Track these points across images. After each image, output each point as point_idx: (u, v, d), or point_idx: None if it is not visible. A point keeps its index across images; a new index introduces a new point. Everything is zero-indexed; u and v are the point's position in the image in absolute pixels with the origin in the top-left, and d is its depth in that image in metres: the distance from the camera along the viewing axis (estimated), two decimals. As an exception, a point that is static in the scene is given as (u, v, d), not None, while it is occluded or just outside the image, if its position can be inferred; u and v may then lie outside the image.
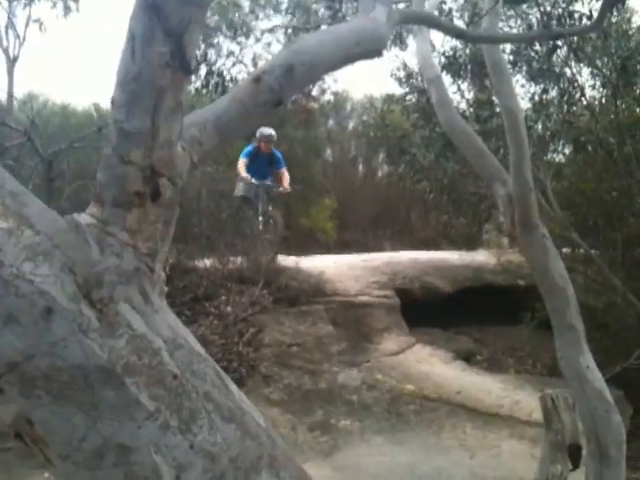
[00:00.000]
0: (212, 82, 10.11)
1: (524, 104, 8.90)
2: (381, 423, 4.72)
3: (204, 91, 10.35)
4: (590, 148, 8.15)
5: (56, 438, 0.98)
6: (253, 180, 7.43)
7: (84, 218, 1.07)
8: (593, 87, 10.02)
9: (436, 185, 9.08)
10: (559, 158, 10.15)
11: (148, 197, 1.09)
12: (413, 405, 4.98)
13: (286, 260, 7.04)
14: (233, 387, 1.13)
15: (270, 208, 7.71)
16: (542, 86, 9.10)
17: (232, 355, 5.29)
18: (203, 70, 10.08)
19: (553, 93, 9.10)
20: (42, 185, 8.23)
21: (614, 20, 8.59)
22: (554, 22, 6.35)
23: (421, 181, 9.23)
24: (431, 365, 5.75)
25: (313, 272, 6.83)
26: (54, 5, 8.34)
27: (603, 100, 9.39)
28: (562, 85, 8.99)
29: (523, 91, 10.25)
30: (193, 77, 9.35)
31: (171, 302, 5.88)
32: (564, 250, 8.17)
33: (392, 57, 9.20)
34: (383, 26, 1.54)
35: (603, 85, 9.45)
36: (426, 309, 6.97)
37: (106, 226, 1.07)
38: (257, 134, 7.79)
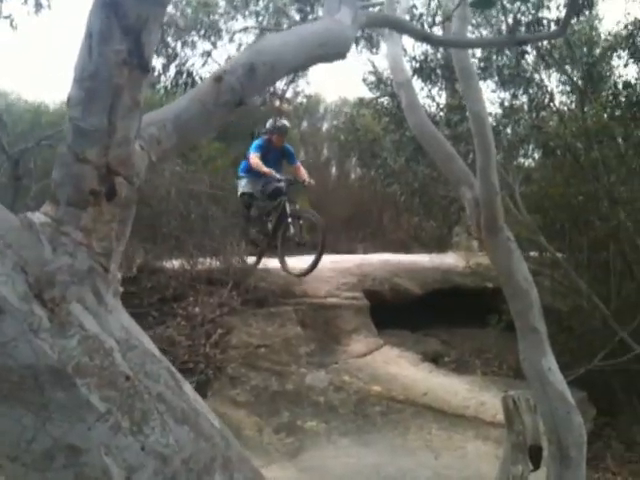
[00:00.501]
0: (181, 81, 10.04)
1: (494, 109, 9.03)
2: (347, 424, 4.73)
3: (174, 90, 10.26)
4: (559, 153, 8.26)
5: (5, 439, 0.97)
6: (278, 176, 6.87)
7: (38, 217, 1.06)
8: (562, 93, 10.21)
9: (407, 188, 9.14)
10: (529, 163, 10.33)
11: (103, 196, 1.08)
12: (380, 406, 5.00)
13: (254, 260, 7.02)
14: (187, 388, 1.12)
15: (297, 206, 7.15)
16: (512, 92, 9.24)
17: (199, 357, 5.27)
18: (173, 69, 10.01)
19: (523, 99, 9.23)
20: (9, 183, 8.11)
21: (576, 28, 8.77)
22: (523, 29, 6.46)
23: (392, 184, 9.28)
24: (399, 367, 5.78)
25: (282, 273, 6.82)
26: (25, 2, 8.19)
27: (572, 106, 9.58)
28: (531, 91, 9.13)
29: (493, 96, 10.38)
30: (163, 77, 9.30)
31: (139, 303, 5.90)
32: (532, 253, 8.30)
33: (365, 61, 9.26)
34: (348, 28, 1.55)
35: (571, 91, 9.64)
36: (395, 311, 7.00)
37: (60, 225, 1.06)
38: (268, 125, 7.29)
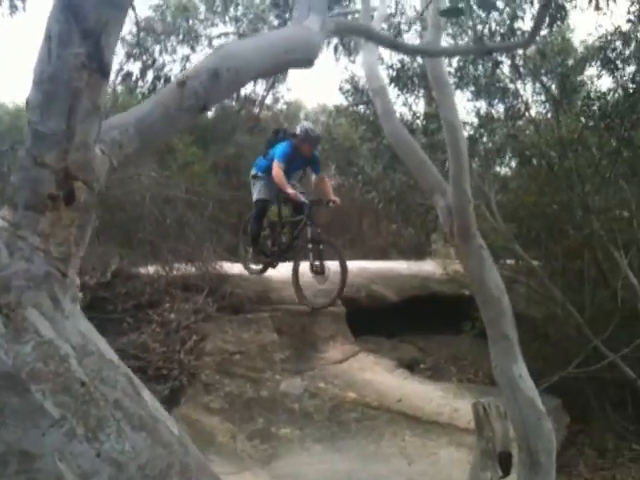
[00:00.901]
0: (159, 86, 10.01)
1: (471, 119, 9.11)
2: (322, 431, 4.72)
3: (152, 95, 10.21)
4: (535, 162, 8.35)
5: (-43, 445, 0.95)
6: (303, 198, 6.23)
7: (-6, 221, 1.05)
8: (538, 103, 10.35)
9: (384, 196, 9.18)
10: (506, 171, 10.44)
11: (62, 200, 1.07)
12: (354, 413, 5.00)
13: (232, 268, 6.99)
14: (146, 394, 1.11)
15: (319, 230, 6.47)
16: (488, 101, 9.33)
17: (173, 363, 5.23)
18: (151, 74, 10.00)
19: (499, 108, 9.33)
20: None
21: (550, 39, 8.90)
22: (498, 39, 6.54)
23: (370, 192, 9.31)
24: (374, 373, 5.78)
25: (259, 280, 6.81)
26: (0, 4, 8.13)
27: (548, 115, 9.70)
28: (507, 100, 9.24)
29: (470, 106, 10.49)
30: (140, 81, 9.27)
31: (113, 309, 5.85)
32: (508, 261, 8.38)
33: (342, 69, 9.32)
34: (315, 35, 1.55)
35: (546, 101, 9.77)
36: (372, 318, 7.02)
37: (17, 229, 1.05)
38: (299, 132, 6.46)
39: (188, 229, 6.84)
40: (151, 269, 6.58)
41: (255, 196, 6.76)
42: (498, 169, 10.21)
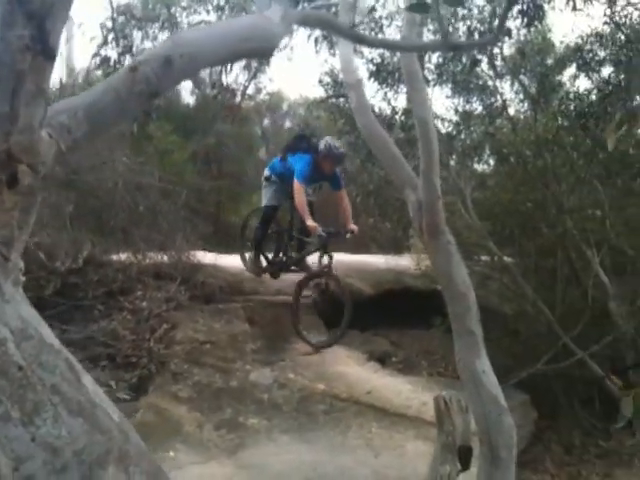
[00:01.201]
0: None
1: (449, 115, 9.16)
2: (289, 422, 4.73)
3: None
4: (512, 160, 8.40)
5: None
6: (321, 231, 5.87)
7: None
8: (516, 101, 10.43)
9: (362, 190, 9.19)
10: (484, 169, 10.50)
11: (4, 183, 1.06)
12: (323, 404, 5.01)
13: (205, 257, 6.96)
14: (87, 380, 1.11)
15: (332, 261, 6.05)
16: (466, 98, 9.37)
17: (142, 351, 5.20)
18: (128, 60, 9.86)
19: (477, 106, 9.38)
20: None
21: (529, 38, 8.97)
22: (476, 36, 6.57)
23: (347, 185, 9.31)
24: (345, 365, 5.80)
25: (233, 270, 6.79)
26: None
27: (526, 114, 9.78)
28: (485, 98, 9.30)
29: (449, 103, 10.52)
30: (118, 65, 9.16)
31: (84, 295, 5.81)
32: (483, 258, 8.46)
33: (323, 61, 9.29)
34: (276, 25, 1.54)
35: (524, 100, 9.85)
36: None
37: (-43, 212, 1.04)
38: (322, 147, 5.99)
39: (161, 217, 6.80)
40: (123, 256, 6.54)
41: (265, 200, 6.46)
42: (477, 167, 10.26)
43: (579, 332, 6.38)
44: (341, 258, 8.80)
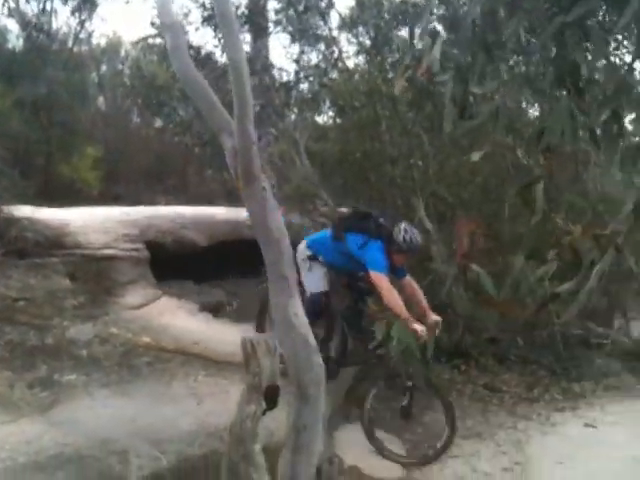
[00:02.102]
0: None
1: (288, 65, 9.17)
2: (110, 376, 4.62)
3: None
4: (346, 111, 8.55)
5: None
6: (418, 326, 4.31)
7: None
8: (352, 53, 10.61)
9: (198, 140, 9.04)
10: (325, 121, 10.65)
11: None
12: (147, 357, 4.94)
13: (19, 210, 6.50)
14: None
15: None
16: (302, 48, 9.42)
17: (-55, 311, 4.85)
18: None
19: (314, 56, 9.46)
20: None
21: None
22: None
23: (180, 134, 9.10)
24: (174, 317, 5.76)
25: (52, 224, 6.41)
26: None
27: (363, 67, 9.99)
28: (322, 49, 9.39)
29: (285, 52, 10.50)
30: None
31: None
32: (322, 208, 8.64)
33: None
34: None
35: (359, 52, 10.06)
36: (182, 263, 6.94)
37: None
38: (401, 238, 4.61)
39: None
40: None
41: (311, 286, 4.96)
42: (318, 119, 10.38)
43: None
44: (181, 210, 8.67)
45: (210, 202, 12.94)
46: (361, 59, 10.21)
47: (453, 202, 7.28)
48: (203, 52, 9.49)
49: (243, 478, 2.83)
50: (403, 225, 4.68)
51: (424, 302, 4.70)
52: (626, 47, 3.13)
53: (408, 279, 4.83)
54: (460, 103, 2.24)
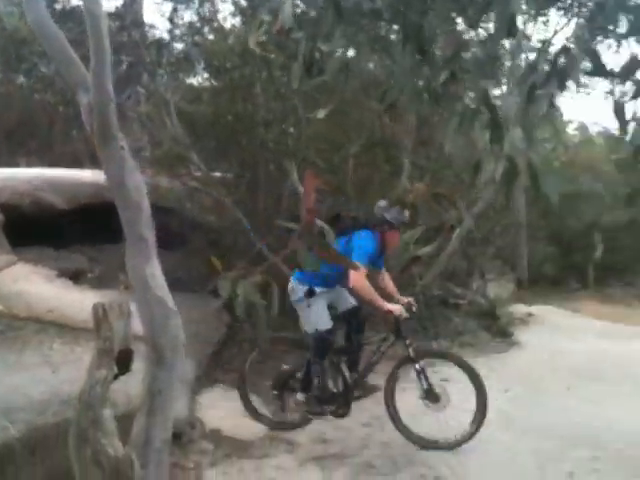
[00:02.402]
0: None
1: (161, 23, 8.81)
2: (-47, 347, 4.32)
3: None
4: (223, 73, 8.32)
5: None
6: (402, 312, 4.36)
7: None
8: (230, 13, 10.31)
9: (61, 98, 8.52)
10: (200, 82, 10.33)
11: None
12: (-1, 325, 4.67)
13: None
14: None
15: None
16: (176, 5, 9.08)
17: None
18: None
19: (188, 15, 9.14)
20: None
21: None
22: None
23: (42, 92, 8.53)
24: (29, 284, 5.43)
25: None
26: None
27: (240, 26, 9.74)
28: (195, 7, 9.09)
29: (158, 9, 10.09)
30: None
31: None
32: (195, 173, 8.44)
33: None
34: None
35: (235, 12, 9.81)
36: (42, 228, 6.54)
37: None
38: (389, 216, 4.45)
39: None
40: None
41: (315, 324, 4.44)
42: (193, 81, 10.05)
43: (273, 238, 6.72)
44: (40, 172, 8.16)
45: (76, 163, 12.29)
46: (238, 20, 9.97)
47: (324, 167, 7.35)
48: (68, 6, 8.92)
49: (92, 444, 2.73)
50: (382, 203, 4.54)
51: (396, 292, 4.69)
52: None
53: (384, 271, 4.77)
54: (308, 60, 2.24)
